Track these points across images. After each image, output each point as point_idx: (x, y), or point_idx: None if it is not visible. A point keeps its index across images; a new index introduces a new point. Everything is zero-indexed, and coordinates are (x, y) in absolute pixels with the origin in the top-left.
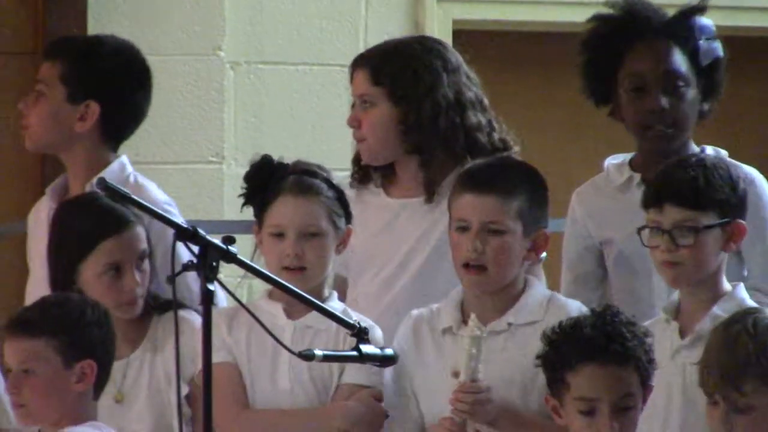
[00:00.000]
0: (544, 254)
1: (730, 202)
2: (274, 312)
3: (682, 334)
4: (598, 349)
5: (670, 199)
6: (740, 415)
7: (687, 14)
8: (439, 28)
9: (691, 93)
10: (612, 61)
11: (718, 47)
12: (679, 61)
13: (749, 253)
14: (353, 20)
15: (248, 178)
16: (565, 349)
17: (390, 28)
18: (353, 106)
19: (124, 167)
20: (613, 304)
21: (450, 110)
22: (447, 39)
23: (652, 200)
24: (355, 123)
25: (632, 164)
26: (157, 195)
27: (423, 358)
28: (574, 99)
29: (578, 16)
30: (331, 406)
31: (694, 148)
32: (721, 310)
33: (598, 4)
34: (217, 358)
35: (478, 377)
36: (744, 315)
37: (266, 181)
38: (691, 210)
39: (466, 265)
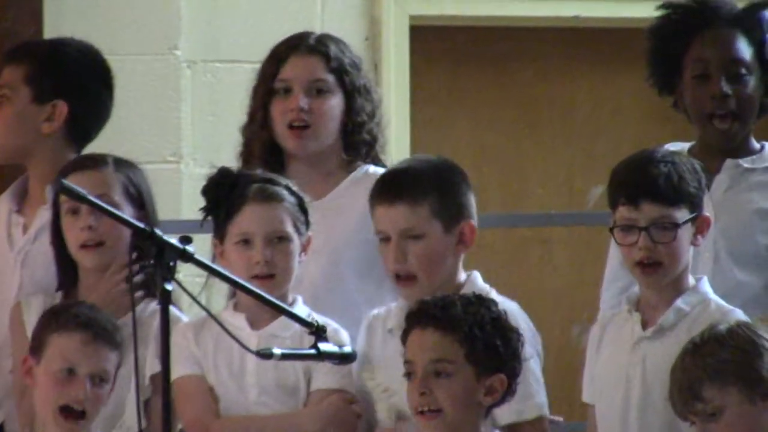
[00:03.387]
0: None
1: (699, 195)
2: (238, 323)
3: (644, 325)
4: (422, 313)
5: (646, 196)
6: (715, 423)
7: (756, 7)
8: (395, 24)
9: (754, 82)
10: (679, 49)
11: None
12: (744, 50)
13: None
14: (309, 18)
15: (208, 190)
16: (407, 321)
17: (346, 25)
18: (287, 90)
19: None
20: None
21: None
22: (404, 35)
23: (625, 198)
24: (305, 109)
25: (691, 153)
26: None
27: (374, 355)
28: (531, 95)
29: (535, 10)
30: (304, 410)
31: (755, 144)
32: (684, 304)
33: None
34: (185, 370)
35: None
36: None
37: (228, 192)
38: (667, 206)
39: (398, 276)
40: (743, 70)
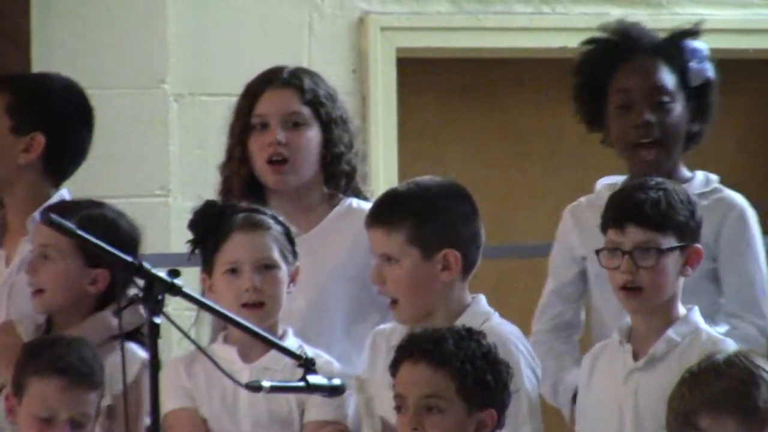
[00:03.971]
0: None
1: (689, 225)
2: (229, 357)
3: (636, 356)
4: (413, 347)
5: (632, 220)
6: None
7: (678, 36)
8: (382, 56)
9: (678, 109)
10: (603, 82)
11: (709, 69)
12: (666, 77)
13: (727, 280)
14: (297, 50)
15: (194, 223)
16: (396, 351)
17: (334, 57)
18: (264, 125)
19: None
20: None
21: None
22: (391, 67)
23: (612, 221)
24: (283, 142)
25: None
26: None
27: (377, 372)
28: (519, 127)
29: (522, 42)
30: None
31: (686, 173)
32: (675, 334)
33: (541, 30)
34: (177, 403)
35: None
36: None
37: (215, 224)
38: (652, 231)
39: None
40: (666, 98)
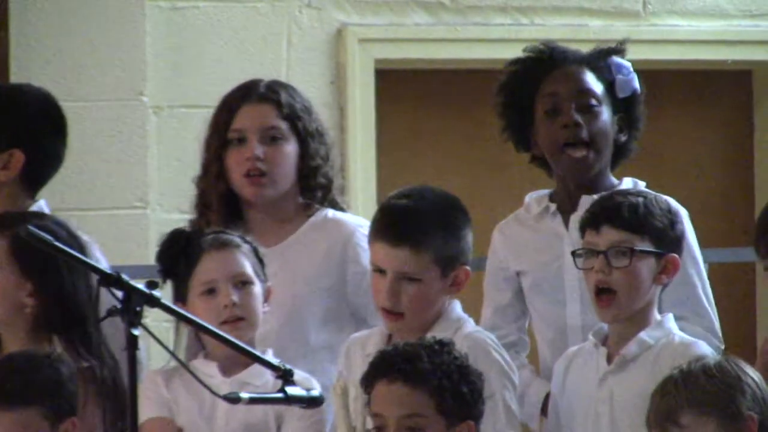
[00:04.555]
0: None
1: (667, 234)
2: (209, 371)
3: (610, 360)
4: (388, 366)
5: (608, 221)
6: None
7: (604, 52)
8: (360, 67)
9: (605, 114)
10: (530, 93)
11: (636, 81)
12: (594, 83)
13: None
14: (275, 62)
15: (163, 254)
16: (370, 369)
17: (312, 69)
18: (242, 140)
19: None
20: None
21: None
22: (369, 79)
23: (589, 222)
24: (261, 157)
25: (551, 197)
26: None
27: (352, 379)
28: (497, 137)
29: (500, 53)
30: None
31: (613, 180)
32: (648, 336)
33: (519, 41)
34: (154, 412)
35: None
36: (686, 363)
37: (184, 248)
38: (627, 232)
39: (385, 309)
40: (593, 101)
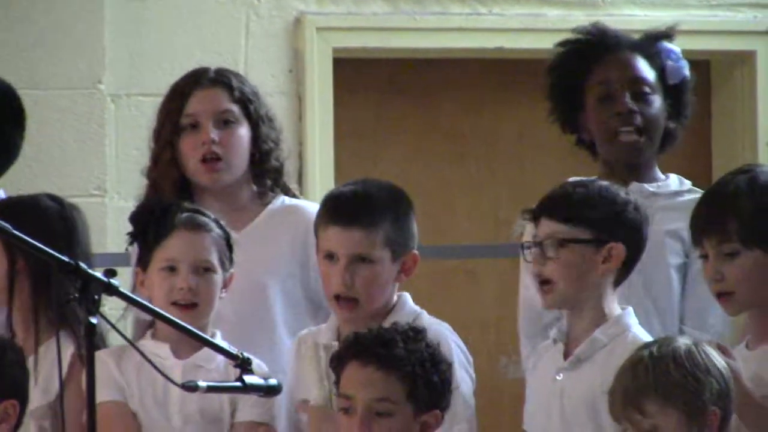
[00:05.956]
0: None
1: (606, 222)
2: (160, 352)
3: (566, 356)
4: (362, 348)
5: (543, 213)
6: None
7: (653, 37)
8: (318, 56)
9: (658, 102)
10: (580, 78)
11: (686, 68)
12: (646, 69)
13: (691, 295)
14: (233, 51)
15: (136, 217)
16: (341, 350)
17: (270, 57)
18: (195, 125)
19: None
20: None
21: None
22: (327, 68)
23: (533, 216)
24: (216, 141)
25: None
26: None
27: (302, 375)
28: (455, 127)
29: (458, 42)
30: None
31: (660, 174)
32: (601, 334)
33: (477, 30)
34: (108, 396)
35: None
36: (652, 342)
37: (157, 218)
38: (560, 223)
39: (338, 297)
40: (647, 89)
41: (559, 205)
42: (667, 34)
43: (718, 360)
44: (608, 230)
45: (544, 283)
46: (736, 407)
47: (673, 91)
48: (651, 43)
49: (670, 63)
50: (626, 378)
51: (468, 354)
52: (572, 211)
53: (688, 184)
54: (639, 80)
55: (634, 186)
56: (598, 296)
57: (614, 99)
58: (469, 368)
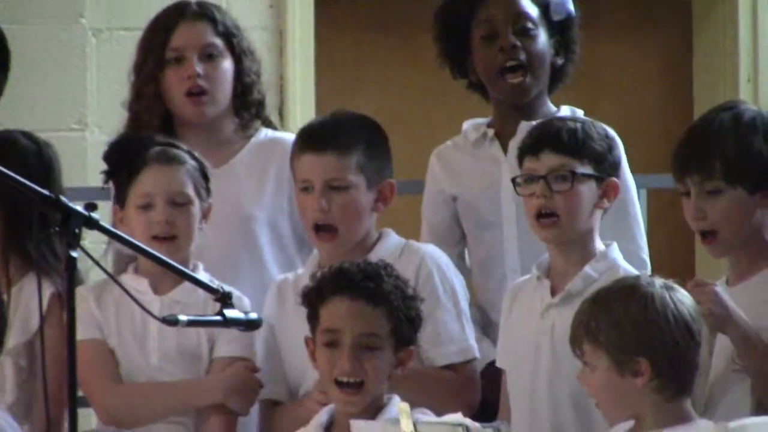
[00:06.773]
0: None
1: (607, 158)
2: (140, 288)
3: (554, 292)
4: (350, 282)
5: (547, 146)
6: (591, 376)
7: None
8: None
9: (542, 37)
10: (466, 18)
11: (570, 4)
12: (529, 6)
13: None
14: None
15: (109, 155)
16: (323, 283)
17: None
18: (179, 59)
19: None
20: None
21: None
22: (308, 2)
23: (528, 149)
24: (201, 74)
25: (489, 124)
26: None
27: (287, 322)
28: (437, 62)
29: None
30: (207, 379)
31: (551, 107)
32: (592, 270)
33: None
34: (87, 334)
35: None
36: (616, 280)
37: (130, 155)
38: (567, 157)
39: (317, 227)
40: (530, 25)
41: (563, 138)
42: None
43: (686, 305)
44: (608, 166)
45: (545, 216)
46: (739, 350)
47: (559, 28)
48: None
49: (554, 0)
50: (578, 317)
51: (459, 274)
52: (579, 144)
53: (580, 113)
54: (522, 16)
55: (523, 125)
56: (589, 231)
57: (497, 36)
58: (464, 289)
